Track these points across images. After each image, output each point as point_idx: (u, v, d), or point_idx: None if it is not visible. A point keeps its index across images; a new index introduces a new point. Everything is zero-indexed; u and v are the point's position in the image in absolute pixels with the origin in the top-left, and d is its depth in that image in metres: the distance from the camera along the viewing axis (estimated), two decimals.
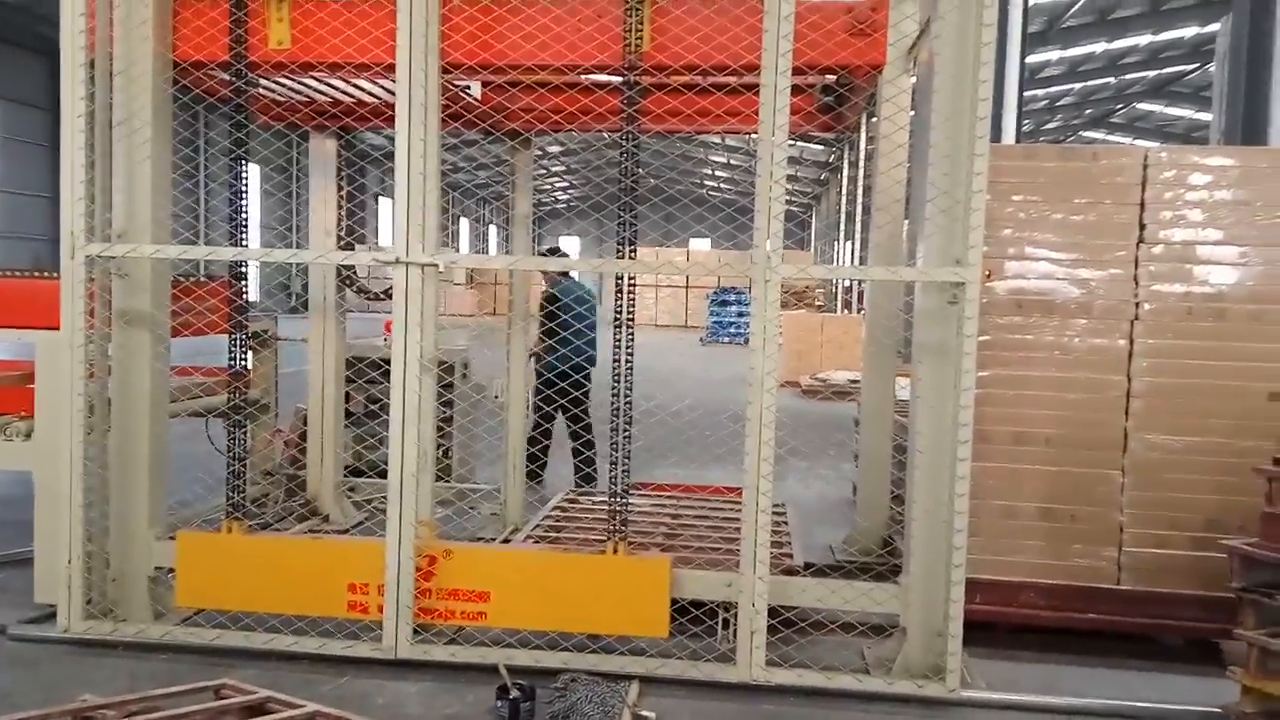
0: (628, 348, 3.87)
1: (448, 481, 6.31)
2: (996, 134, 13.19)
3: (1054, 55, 25.73)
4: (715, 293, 25.86)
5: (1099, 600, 4.05)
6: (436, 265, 3.66)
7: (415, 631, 3.78)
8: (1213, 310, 4.00)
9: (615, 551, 3.83)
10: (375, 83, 4.46)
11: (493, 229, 56.17)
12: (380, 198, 40.04)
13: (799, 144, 34.34)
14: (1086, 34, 23.41)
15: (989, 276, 3.67)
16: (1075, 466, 4.08)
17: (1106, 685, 3.81)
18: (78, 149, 3.73)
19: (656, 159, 45.60)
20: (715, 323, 25.14)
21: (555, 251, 8.05)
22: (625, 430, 3.87)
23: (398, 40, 3.65)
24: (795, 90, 4.80)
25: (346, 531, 5.54)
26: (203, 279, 5.15)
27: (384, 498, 5.81)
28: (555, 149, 42.12)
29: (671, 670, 3.67)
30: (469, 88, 4.75)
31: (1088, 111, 33.26)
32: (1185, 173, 4.03)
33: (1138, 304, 4.05)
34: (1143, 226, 4.04)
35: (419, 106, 3.66)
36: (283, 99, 5.18)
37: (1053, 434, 4.08)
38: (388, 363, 6.10)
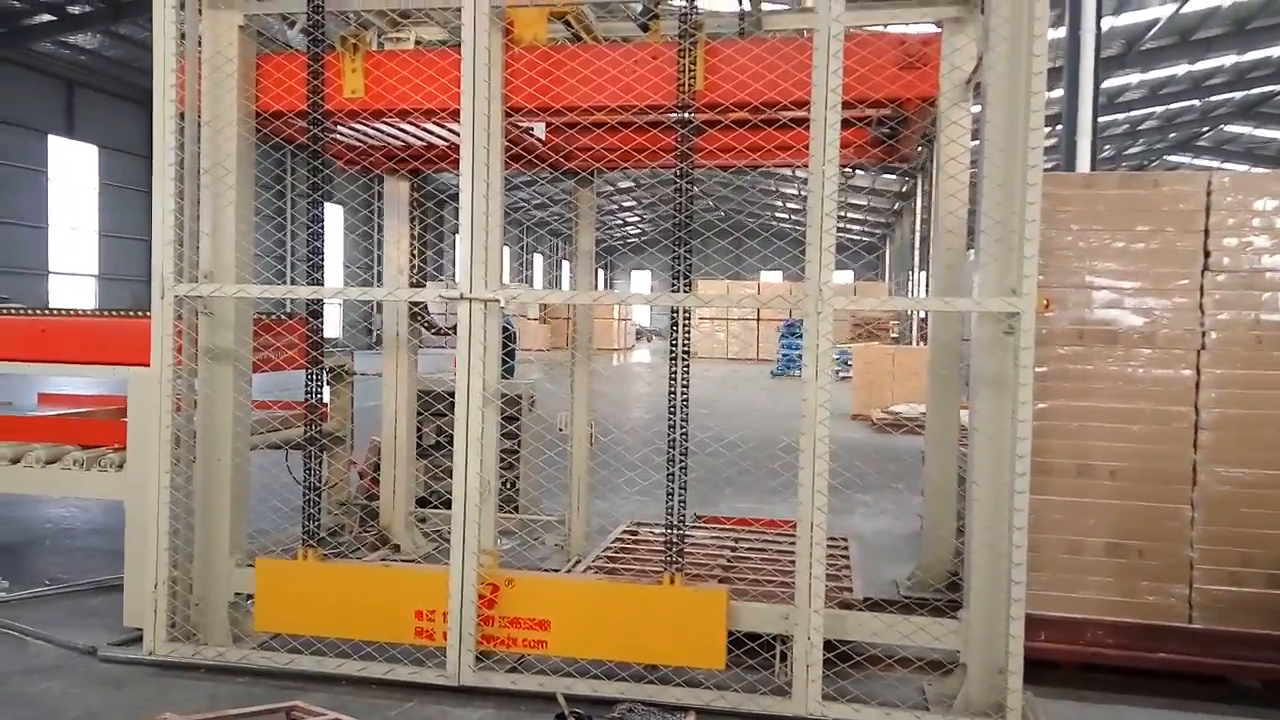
0: (684, 380, 3.94)
1: (514, 512, 6.44)
2: (1071, 160, 12.94)
3: (1134, 79, 25.16)
4: (786, 325, 25.72)
5: (1169, 639, 3.94)
6: (498, 300, 3.80)
7: (478, 659, 3.88)
8: None
9: (672, 582, 3.88)
10: (443, 126, 4.66)
11: (565, 264, 56.97)
12: (458, 236, 41.06)
13: (870, 173, 34.15)
14: (1167, 56, 22.84)
15: (1047, 306, 3.64)
16: (1142, 500, 3.99)
17: None
18: (168, 195, 3.99)
19: (733, 193, 45.81)
20: (785, 355, 25.00)
21: None
22: (681, 462, 3.93)
23: (461, 86, 3.83)
24: (847, 124, 4.88)
25: (414, 561, 5.69)
26: (282, 317, 5.38)
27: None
28: (626, 184, 42.67)
29: (727, 703, 3.69)
30: (532, 129, 4.92)
31: (1172, 135, 32.33)
32: (1250, 198, 3.95)
33: (1204, 333, 3.97)
34: (1207, 254, 3.96)
35: (481, 149, 3.83)
36: (358, 144, 5.43)
37: (1118, 466, 4.01)
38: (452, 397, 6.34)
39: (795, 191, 42.72)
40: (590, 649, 3.89)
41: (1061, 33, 12.51)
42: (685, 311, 3.95)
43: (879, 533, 7.25)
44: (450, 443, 6.32)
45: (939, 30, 4.10)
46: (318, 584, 4.07)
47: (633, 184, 42.50)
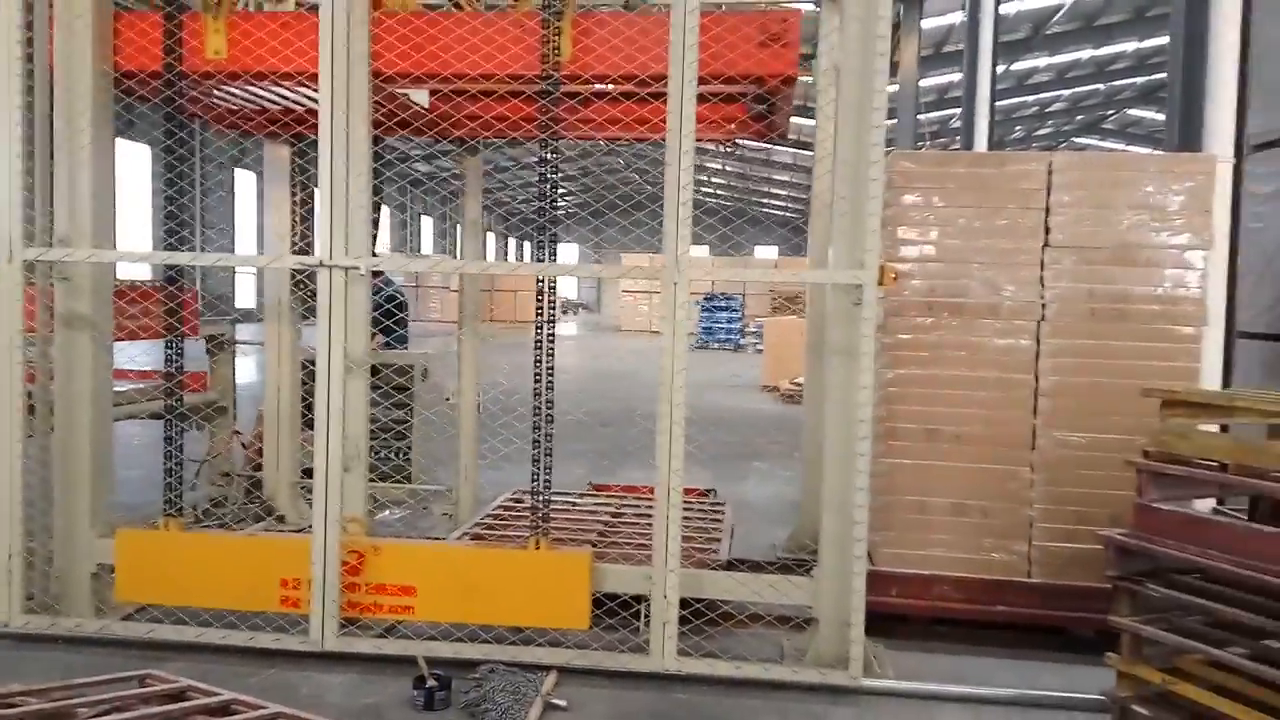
0: (549, 350, 4.00)
1: (406, 482, 6.44)
2: (970, 141, 13.34)
3: (1042, 62, 25.87)
4: (706, 298, 25.96)
5: (1010, 593, 4.17)
6: (358, 268, 3.80)
7: (343, 625, 3.91)
8: (1114, 311, 4.13)
9: (538, 547, 3.95)
10: (309, 89, 4.60)
11: (489, 235, 56.38)
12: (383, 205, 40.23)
13: (793, 150, 34.52)
14: (1073, 40, 23.56)
15: (894, 279, 3.79)
16: (986, 463, 4.21)
17: (1013, 675, 3.93)
18: (15, 155, 3.87)
19: (649, 165, 45.83)
20: (705, 328, 25.26)
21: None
22: (547, 432, 4.00)
23: (320, 49, 3.79)
24: (731, 99, 4.98)
25: (300, 531, 5.67)
26: (158, 285, 5.26)
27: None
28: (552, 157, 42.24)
29: (587, 661, 3.80)
30: (408, 95, 4.89)
31: (1079, 118, 33.40)
32: (1087, 178, 4.16)
33: (1044, 305, 4.18)
34: (1048, 230, 4.17)
35: (340, 113, 3.81)
36: (236, 107, 5.32)
37: (963, 431, 4.21)
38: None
39: (719, 166, 42.99)
40: (457, 614, 3.95)
41: (961, 17, 12.85)
42: (550, 281, 4.01)
43: (769, 498, 7.46)
44: None
45: (798, 8, 4.19)
46: (180, 554, 4.05)
47: (559, 156, 42.15)
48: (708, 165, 43.55)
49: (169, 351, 4.11)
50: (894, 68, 21.85)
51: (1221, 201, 5.70)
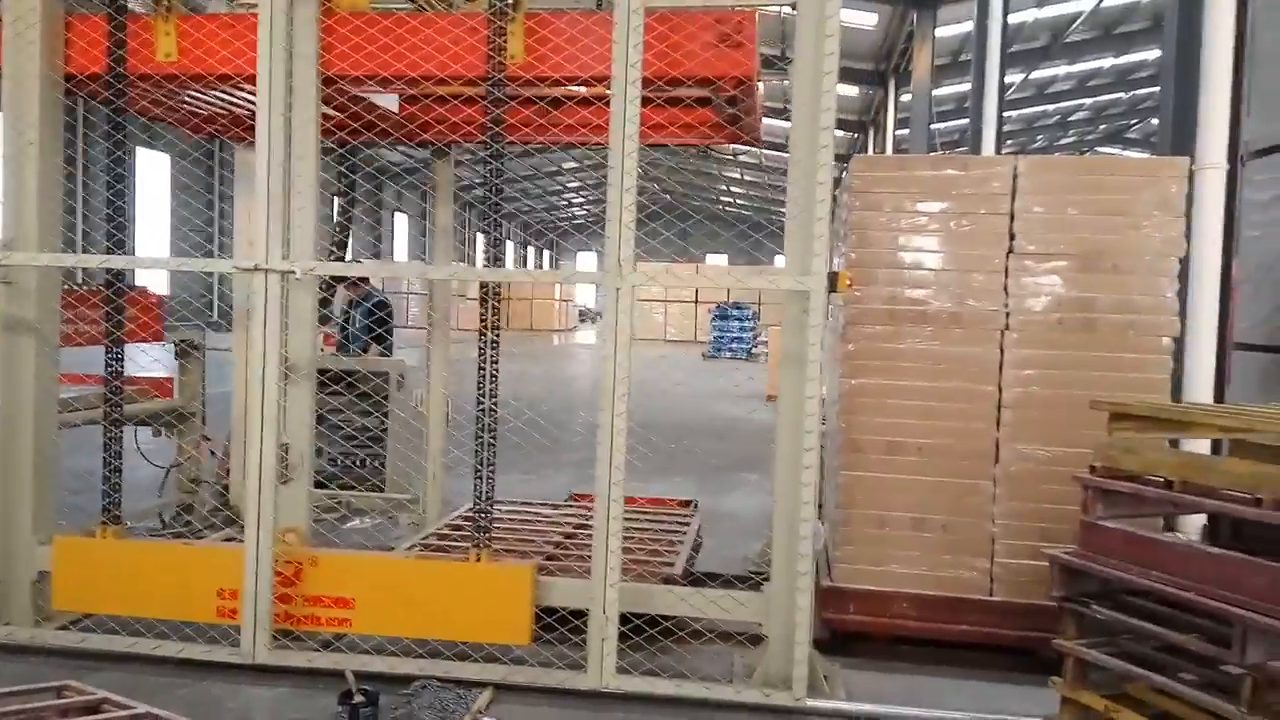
0: (494, 359, 3.90)
1: (378, 491, 6.36)
2: (976, 148, 13.13)
3: (1062, 70, 25.57)
4: (718, 307, 25.81)
5: (971, 611, 4.01)
6: (294, 272, 3.72)
7: (276, 637, 3.81)
8: (1081, 320, 3.97)
9: (478, 559, 3.85)
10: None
11: (508, 244, 56.55)
12: (396, 213, 40.50)
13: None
14: (1093, 48, 23.24)
15: (850, 285, 3.66)
16: (947, 476, 4.06)
17: (972, 697, 3.77)
18: None
19: (666, 174, 45.75)
20: (717, 337, 25.10)
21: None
22: (490, 441, 3.90)
23: (259, 48, 3.73)
24: (703, 101, 4.85)
25: None
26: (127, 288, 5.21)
27: (318, 504, 5.93)
28: (570, 164, 42.37)
29: (523, 677, 3.68)
30: (370, 98, 4.82)
31: (1102, 127, 33.00)
32: (1053, 182, 4.01)
33: (1008, 313, 4.03)
34: (1012, 236, 4.02)
35: (279, 114, 3.73)
36: (202, 110, 5.28)
37: (925, 444, 4.06)
38: (325, 374, 6.22)
39: (738, 175, 42.83)
40: (395, 627, 3.85)
41: (969, 27, 12.64)
42: (495, 287, 3.91)
43: (754, 510, 7.30)
44: (317, 421, 6.28)
45: (753, 9, 4.07)
46: (117, 562, 3.97)
47: (575, 164, 42.17)
48: (726, 174, 43.44)
49: (109, 356, 4.04)
50: (907, 76, 21.69)
51: (1214, 209, 5.52)
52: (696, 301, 34.03)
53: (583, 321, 43.75)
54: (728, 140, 5.28)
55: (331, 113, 4.76)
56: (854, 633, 4.16)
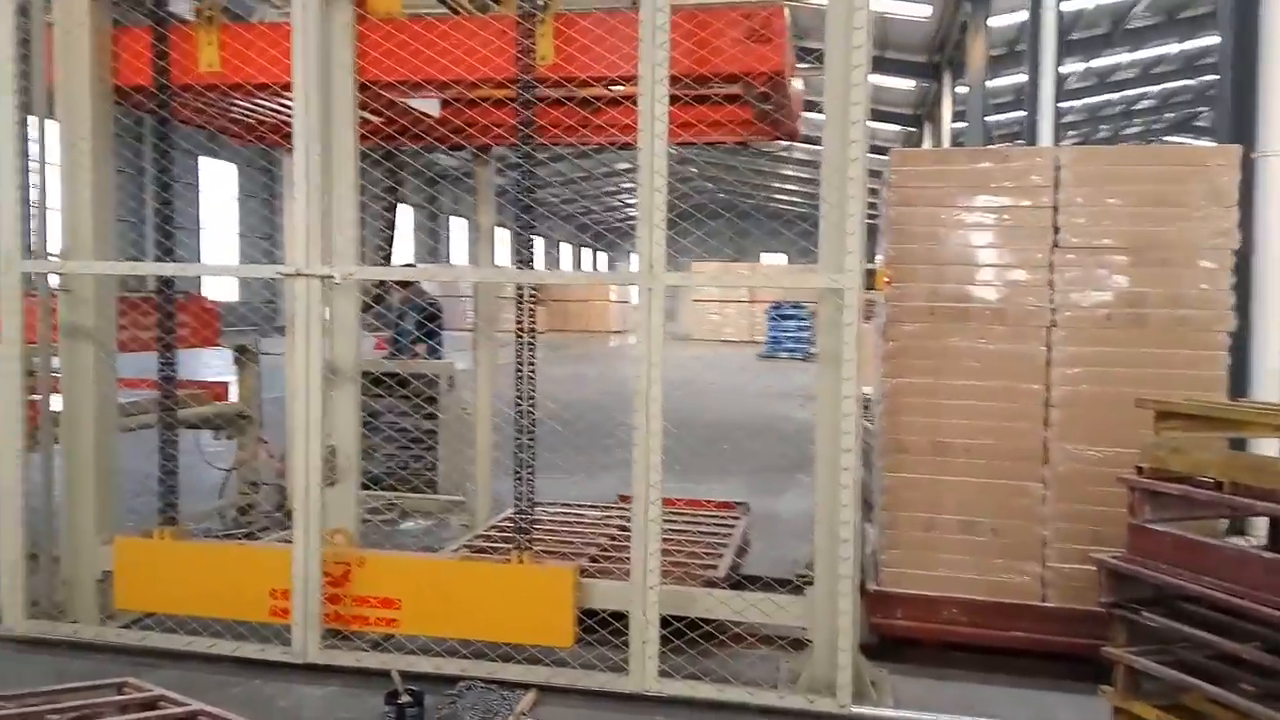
0: (530, 361, 3.93)
1: (433, 493, 6.44)
2: (1032, 139, 12.83)
3: (1125, 58, 24.86)
4: (774, 307, 25.57)
5: (1022, 617, 3.92)
6: (333, 277, 3.79)
7: (326, 636, 3.88)
8: (1131, 316, 3.85)
9: (520, 561, 3.87)
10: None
11: (563, 246, 56.92)
12: (453, 217, 41.01)
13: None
14: (1157, 34, 22.55)
15: (887, 283, 3.61)
16: (995, 478, 3.96)
17: (1025, 706, 3.68)
18: (12, 171, 3.98)
19: (725, 172, 45.59)
20: (774, 337, 24.87)
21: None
22: (528, 443, 3.92)
23: (293, 56, 3.80)
24: (731, 98, 4.83)
25: None
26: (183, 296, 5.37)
27: (372, 506, 6.04)
28: (623, 165, 42.52)
29: (565, 679, 3.69)
30: (409, 105, 4.88)
31: (1169, 115, 32.00)
32: (1098, 173, 3.90)
33: (1054, 309, 3.92)
34: (1057, 229, 3.91)
35: (315, 120, 3.80)
36: (248, 119, 5.40)
37: (971, 444, 3.98)
38: (379, 378, 6.33)
39: (793, 173, 42.49)
40: (440, 627, 3.90)
41: (1024, 16, 12.37)
42: (532, 290, 3.93)
43: (806, 513, 7.22)
44: (373, 421, 6.40)
45: (782, 4, 4.03)
46: (175, 562, 4.09)
47: (629, 165, 42.28)
48: (782, 172, 43.13)
49: (162, 361, 4.16)
50: (961, 68, 21.28)
51: (1277, 198, 5.32)
52: (752, 301, 33.84)
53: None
54: (766, 137, 5.24)
55: (371, 117, 4.85)
56: (903, 638, 4.09)
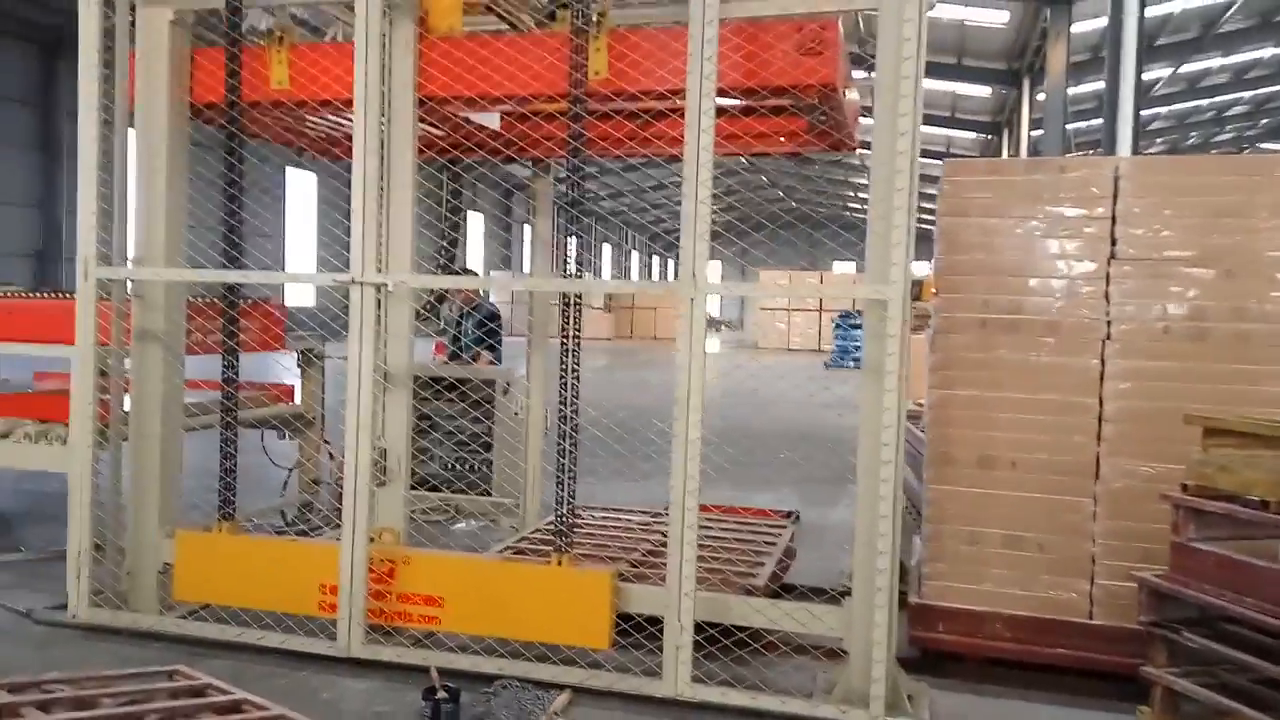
0: (574, 368, 3.98)
1: (488, 495, 6.56)
2: (1111, 147, 12.45)
3: (1216, 63, 23.97)
4: (842, 315, 25.28)
5: (1068, 634, 3.82)
6: (386, 285, 3.90)
7: (369, 631, 3.99)
8: (1190, 330, 3.73)
9: (560, 564, 3.92)
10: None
11: (634, 254, 57.15)
12: (525, 225, 41.61)
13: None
14: (1250, 38, 21.69)
15: (934, 293, 3.56)
16: (1043, 492, 3.87)
17: None
18: (92, 184, 4.20)
19: (799, 182, 45.29)
20: (840, 346, 24.56)
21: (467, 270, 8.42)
22: (570, 448, 3.97)
23: (355, 71, 3.93)
24: (778, 110, 4.82)
25: None
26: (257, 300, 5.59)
27: (426, 508, 6.18)
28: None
29: (600, 681, 3.72)
30: (469, 119, 5.00)
31: (1264, 122, 30.70)
32: (1158, 184, 3.78)
33: (1109, 322, 3.82)
34: (1114, 241, 3.81)
35: (373, 133, 3.93)
36: (318, 133, 5.59)
37: (1019, 458, 3.90)
38: (437, 382, 6.49)
39: (864, 181, 42.00)
40: (480, 626, 3.97)
41: (1103, 22, 12.02)
42: (576, 298, 3.99)
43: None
44: (432, 428, 6.54)
45: (837, 14, 4.02)
46: (231, 556, 4.24)
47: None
48: (852, 180, 42.67)
49: (224, 364, 4.32)
50: (1041, 75, 20.77)
51: None
52: (821, 310, 33.49)
53: (707, 329, 43.78)
54: (823, 149, 5.22)
55: (432, 130, 4.98)
56: (945, 652, 4.02)
